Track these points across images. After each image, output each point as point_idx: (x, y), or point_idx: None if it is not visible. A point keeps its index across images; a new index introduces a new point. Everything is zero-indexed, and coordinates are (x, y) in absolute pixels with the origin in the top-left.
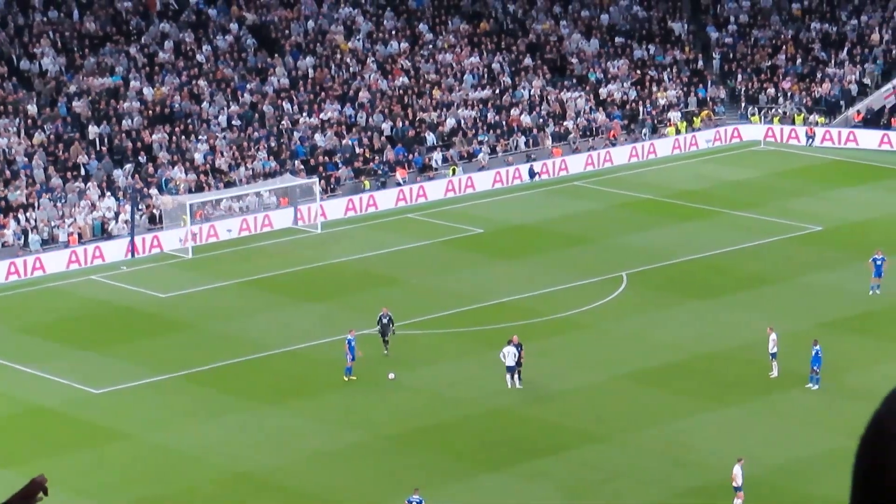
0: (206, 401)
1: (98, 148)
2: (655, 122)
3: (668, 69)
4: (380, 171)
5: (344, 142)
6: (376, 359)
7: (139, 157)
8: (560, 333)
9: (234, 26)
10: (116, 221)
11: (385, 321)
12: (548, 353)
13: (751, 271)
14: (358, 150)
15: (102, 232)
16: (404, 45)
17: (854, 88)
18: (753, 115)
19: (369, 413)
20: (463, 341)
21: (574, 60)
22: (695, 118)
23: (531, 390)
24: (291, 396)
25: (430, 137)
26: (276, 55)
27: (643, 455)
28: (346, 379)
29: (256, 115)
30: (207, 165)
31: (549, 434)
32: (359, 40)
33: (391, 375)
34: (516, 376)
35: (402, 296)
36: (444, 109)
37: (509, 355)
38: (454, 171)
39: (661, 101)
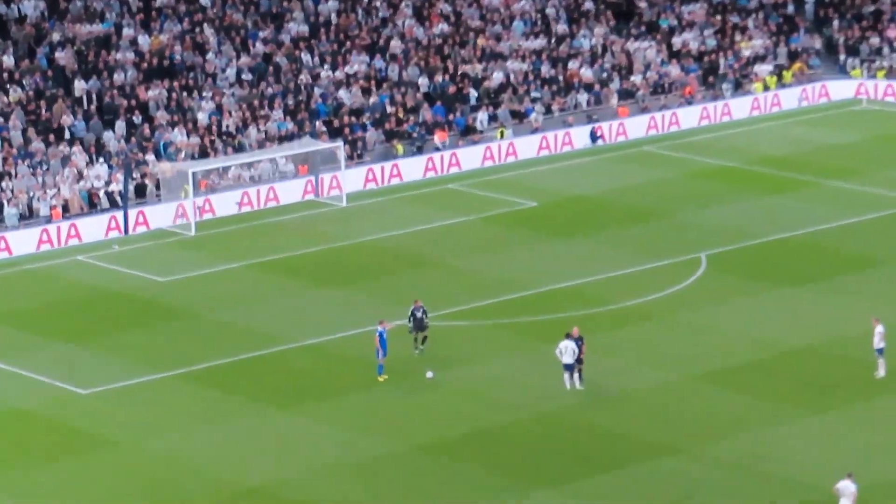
0: (209, 403)
1: (85, 107)
2: (738, 76)
3: (754, 15)
4: (415, 134)
5: (372, 100)
6: (412, 355)
7: (133, 118)
8: (627, 325)
9: None
10: (107, 192)
11: (419, 314)
12: (613, 349)
13: (852, 252)
14: (389, 110)
15: (91, 204)
16: None
17: None
18: (854, 68)
19: (400, 418)
20: (512, 334)
21: (643, 4)
22: (785, 72)
23: (592, 392)
24: (309, 399)
25: (474, 94)
26: None
27: (723, 470)
28: (379, 379)
29: (270, 68)
30: (213, 127)
31: (613, 445)
32: None
33: (429, 374)
34: (576, 376)
35: (440, 281)
36: (491, 62)
37: (567, 351)
38: (502, 133)
39: (746, 53)
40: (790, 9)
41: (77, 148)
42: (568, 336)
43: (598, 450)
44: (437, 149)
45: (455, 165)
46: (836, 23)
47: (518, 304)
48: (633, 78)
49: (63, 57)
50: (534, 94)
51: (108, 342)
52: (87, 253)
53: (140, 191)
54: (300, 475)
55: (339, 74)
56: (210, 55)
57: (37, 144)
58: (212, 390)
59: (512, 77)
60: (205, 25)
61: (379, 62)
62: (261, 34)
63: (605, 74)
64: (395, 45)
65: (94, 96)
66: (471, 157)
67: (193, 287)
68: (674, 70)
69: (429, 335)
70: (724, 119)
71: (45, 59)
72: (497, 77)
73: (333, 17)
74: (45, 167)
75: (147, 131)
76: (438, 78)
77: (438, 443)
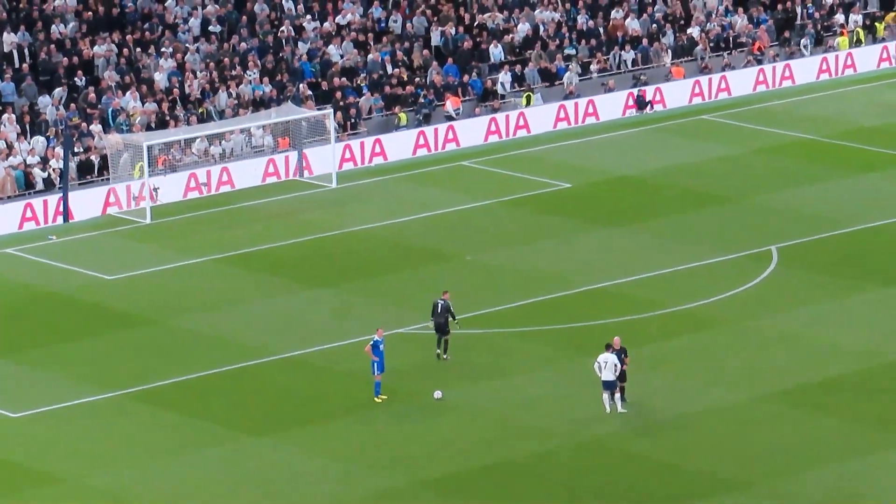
0: (169, 429)
1: (16, 65)
2: (820, 29)
3: None
4: (422, 100)
5: (370, 57)
6: (416, 369)
7: (75, 80)
8: (681, 334)
9: None
10: (43, 170)
11: (439, 311)
12: (663, 363)
13: None
14: (390, 70)
15: (25, 185)
16: None
17: None
18: None
19: (403, 448)
20: (541, 345)
21: None
22: (877, 24)
23: (639, 416)
24: (293, 424)
25: (495, 51)
26: None
27: None
28: (376, 400)
29: (244, 17)
30: (174, 91)
31: (666, 480)
32: None
33: (438, 394)
34: (617, 396)
35: (452, 279)
36: (515, 10)
37: (608, 366)
38: (529, 99)
39: (829, 0)
40: None
41: (6, 116)
42: (608, 347)
43: (647, 486)
44: (450, 117)
45: (471, 137)
46: None
47: (548, 308)
48: (690, 31)
49: None
50: (567, 51)
51: (44, 354)
52: (19, 245)
53: (84, 169)
54: None
55: (328, 26)
56: (169, 2)
57: None
58: (173, 414)
59: (541, 29)
60: None
61: (377, 11)
62: None
63: (655, 26)
64: None
65: (26, 53)
66: (490, 127)
67: (149, 286)
68: (740, 21)
69: (450, 338)
70: (802, 81)
71: None
72: (522, 29)
73: None
74: None
75: (92, 96)
76: (451, 30)
77: (450, 477)
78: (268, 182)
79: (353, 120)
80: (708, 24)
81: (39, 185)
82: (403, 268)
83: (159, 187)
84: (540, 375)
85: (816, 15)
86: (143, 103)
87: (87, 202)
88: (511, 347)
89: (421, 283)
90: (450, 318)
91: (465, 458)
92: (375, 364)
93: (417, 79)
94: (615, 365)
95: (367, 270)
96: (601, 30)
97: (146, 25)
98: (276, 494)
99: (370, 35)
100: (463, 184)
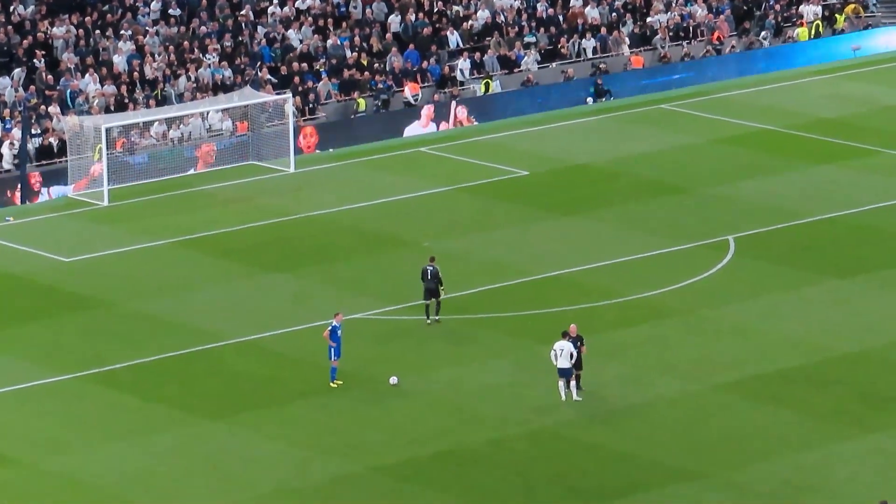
0: (125, 412)
1: None
2: (780, 19)
3: None
4: (381, 85)
5: (330, 42)
6: (373, 355)
7: (33, 61)
8: (637, 323)
9: None
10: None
11: (428, 277)
12: (619, 352)
13: None
14: (349, 55)
15: None
16: None
17: None
18: None
19: (359, 434)
20: (497, 332)
21: None
22: (837, 15)
23: (594, 405)
24: (248, 408)
25: (454, 37)
26: None
27: (754, 500)
28: (332, 385)
29: (204, 2)
30: (133, 74)
31: (619, 469)
32: None
33: (394, 380)
34: (573, 384)
35: (408, 265)
36: None
37: (564, 353)
38: (488, 85)
39: None
40: None
41: None
42: (565, 335)
43: (602, 475)
44: (408, 103)
45: (429, 124)
46: None
47: (505, 296)
48: (649, 19)
49: None
50: (527, 38)
51: (0, 337)
52: None
53: (42, 151)
54: (238, 501)
55: (287, 10)
56: None
57: None
58: (129, 396)
59: (500, 16)
60: None
61: None
62: None
63: (615, 15)
64: None
65: None
66: (449, 113)
67: (106, 269)
68: (700, 10)
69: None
70: (761, 72)
71: None
72: (482, 16)
73: None
74: None
75: (51, 78)
76: (411, 16)
77: (404, 464)
78: (225, 166)
79: (311, 105)
80: (668, 13)
81: None
82: (361, 253)
83: (117, 170)
84: (496, 363)
85: (776, 6)
86: (101, 86)
87: (44, 184)
88: (467, 334)
89: (378, 269)
90: (438, 285)
91: (420, 444)
92: (332, 349)
93: (377, 64)
94: (571, 353)
95: (325, 256)
96: (561, 17)
97: (106, 7)
98: (230, 478)
99: (330, 20)
100: (420, 170)
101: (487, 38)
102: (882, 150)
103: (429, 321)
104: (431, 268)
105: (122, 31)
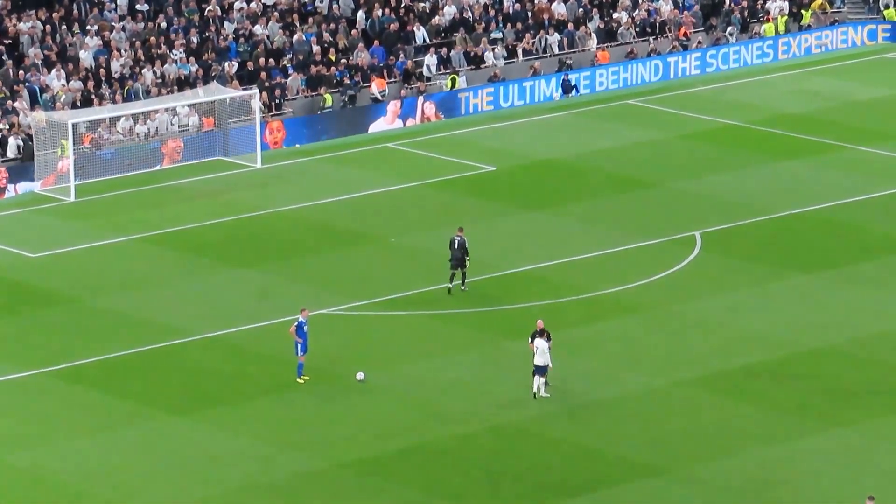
0: (89, 408)
1: None
2: (746, 15)
3: None
4: (347, 81)
5: (296, 37)
6: (340, 351)
7: (0, 56)
8: (603, 318)
9: None
10: None
11: (455, 247)
12: (585, 347)
13: (881, 232)
14: (316, 50)
15: None
16: None
17: None
18: (888, 7)
19: (324, 430)
20: (464, 328)
21: None
22: (803, 11)
23: (560, 401)
24: (214, 404)
25: (421, 33)
26: None
27: (720, 496)
28: (299, 381)
29: None
30: (100, 70)
31: (584, 464)
32: None
33: (360, 376)
34: (542, 380)
35: (375, 260)
36: None
37: (539, 351)
38: (454, 81)
39: None
40: None
41: None
42: (543, 333)
43: (566, 470)
44: (375, 99)
45: (395, 120)
46: None
47: (471, 291)
48: (616, 15)
49: None
50: (494, 34)
51: None
52: None
53: (6, 146)
54: (204, 497)
55: (254, 6)
56: None
57: None
58: (93, 392)
59: (467, 12)
60: None
61: None
62: None
63: (581, 10)
64: None
65: None
66: (415, 109)
67: (72, 265)
68: (666, 6)
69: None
70: (727, 67)
71: None
72: (449, 12)
73: None
74: None
75: (17, 73)
76: (377, 12)
77: (369, 460)
78: (192, 161)
79: (277, 101)
80: (635, 10)
81: None
82: (327, 249)
83: (83, 166)
84: (462, 358)
85: (743, 2)
86: (67, 81)
87: (10, 180)
88: (434, 330)
89: (345, 265)
90: (465, 256)
91: (386, 440)
92: (299, 345)
93: (343, 60)
94: (545, 351)
95: (291, 251)
96: (527, 13)
97: (72, 3)
98: (194, 474)
99: (296, 16)
100: (387, 166)
101: (454, 34)
102: (848, 145)
103: (451, 288)
104: (459, 238)
105: (88, 27)
